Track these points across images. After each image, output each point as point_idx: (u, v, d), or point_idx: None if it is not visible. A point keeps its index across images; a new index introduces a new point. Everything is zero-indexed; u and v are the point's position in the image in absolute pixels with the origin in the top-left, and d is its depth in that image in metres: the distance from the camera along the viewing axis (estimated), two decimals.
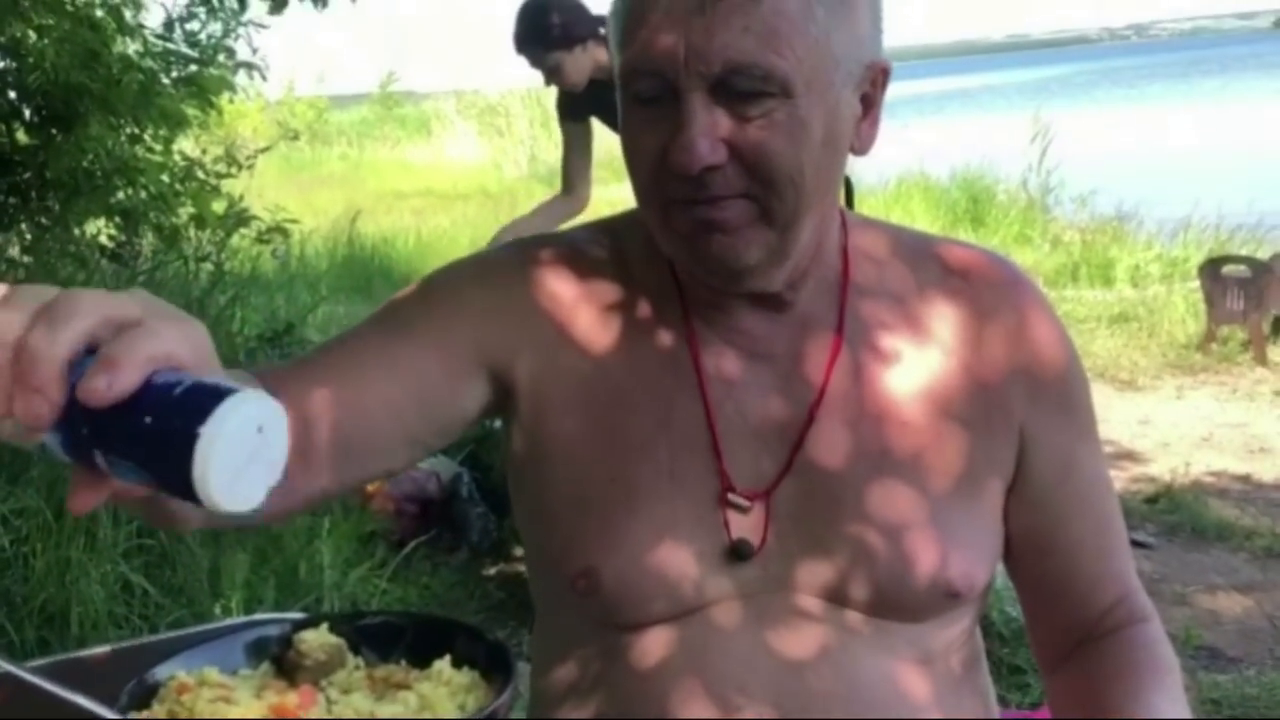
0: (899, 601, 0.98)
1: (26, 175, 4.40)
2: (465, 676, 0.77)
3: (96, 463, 0.60)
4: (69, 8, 4.40)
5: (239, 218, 4.92)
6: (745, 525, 0.99)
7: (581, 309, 1.04)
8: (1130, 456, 4.87)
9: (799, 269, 1.00)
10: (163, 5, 4.88)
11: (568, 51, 3.53)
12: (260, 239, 5.14)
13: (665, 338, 1.03)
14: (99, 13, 4.56)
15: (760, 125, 0.90)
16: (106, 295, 0.62)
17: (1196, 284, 6.62)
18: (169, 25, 4.81)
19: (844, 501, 0.99)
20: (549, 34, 3.51)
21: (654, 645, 0.98)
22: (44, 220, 4.50)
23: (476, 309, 1.04)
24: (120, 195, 4.63)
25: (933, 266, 1.06)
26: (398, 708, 0.73)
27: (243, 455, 0.58)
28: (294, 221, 5.22)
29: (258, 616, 0.85)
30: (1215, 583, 3.72)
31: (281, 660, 0.80)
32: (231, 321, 4.83)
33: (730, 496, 0.99)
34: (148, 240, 4.83)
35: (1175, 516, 4.21)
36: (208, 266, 4.88)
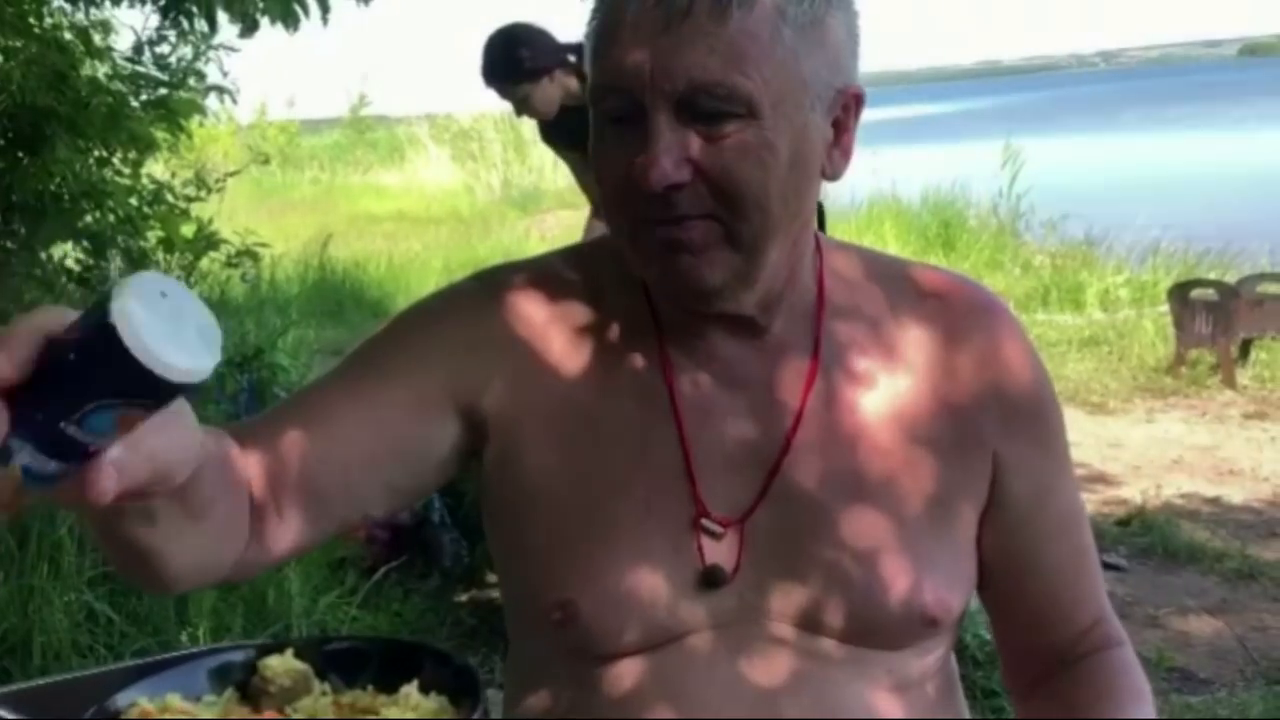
0: (874, 629, 0.97)
1: None
2: (433, 701, 0.76)
3: (73, 436, 0.60)
4: (36, 30, 4.38)
5: (208, 241, 4.90)
6: (719, 552, 0.97)
7: (553, 337, 1.03)
8: (1101, 479, 4.90)
9: (771, 293, 0.99)
10: (132, 28, 4.87)
11: (534, 83, 3.54)
12: (230, 263, 5.12)
13: (640, 365, 1.02)
14: (67, 35, 4.55)
15: (725, 146, 0.89)
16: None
17: (1166, 308, 6.68)
18: (138, 48, 4.80)
19: (819, 528, 0.98)
20: (516, 66, 3.51)
21: (628, 675, 0.97)
22: (9, 244, 4.47)
23: (445, 346, 1.03)
24: (88, 219, 4.60)
25: (906, 289, 1.06)
26: None
27: (164, 320, 0.59)
28: (264, 245, 5.21)
29: (223, 644, 0.83)
30: (1186, 605, 3.73)
31: (246, 687, 0.79)
32: None
33: (704, 522, 0.98)
34: (116, 264, 4.79)
35: (1146, 539, 4.23)
36: None
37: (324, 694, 0.78)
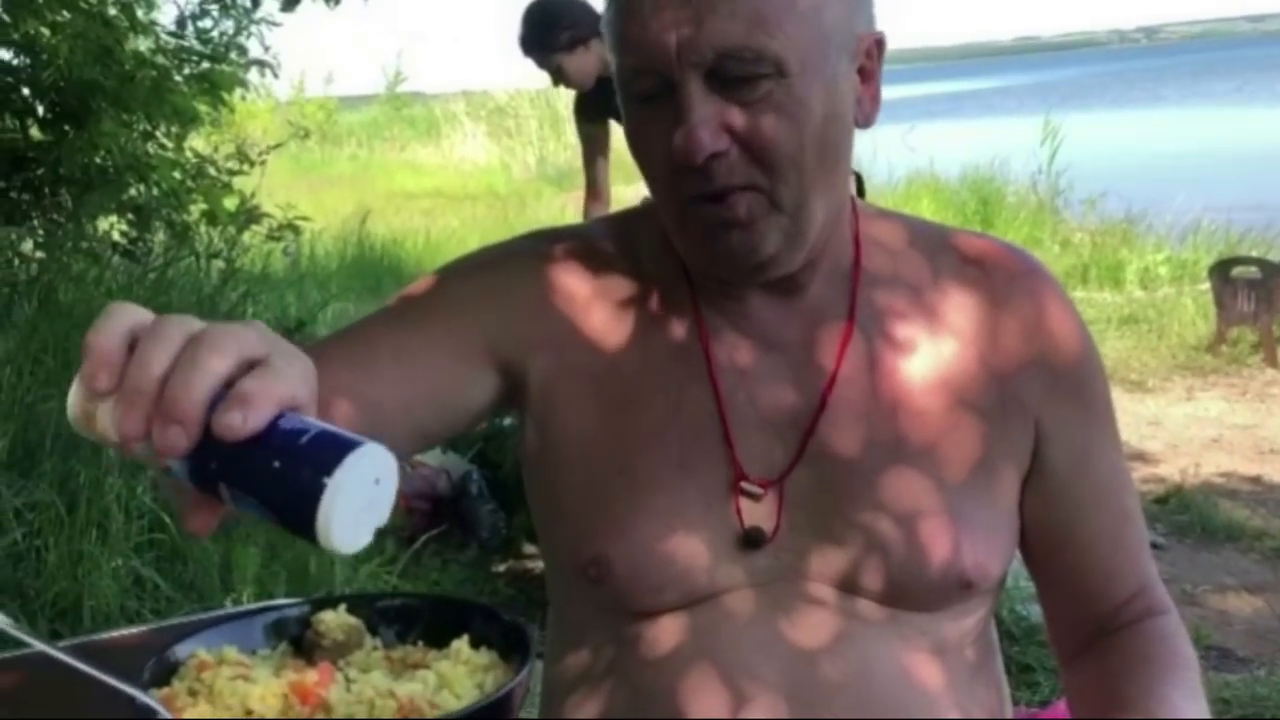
0: (912, 590, 0.98)
1: (40, 171, 4.43)
2: (483, 656, 0.77)
3: (220, 493, 0.63)
4: (83, 5, 4.42)
5: (250, 215, 4.94)
6: (758, 513, 0.99)
7: (593, 302, 1.04)
8: (1140, 457, 4.86)
9: (815, 250, 1.00)
10: (175, 3, 4.91)
11: (570, 53, 3.55)
12: (271, 236, 5.16)
13: (676, 329, 1.03)
14: (112, 10, 4.59)
15: (759, 108, 0.90)
16: (241, 333, 0.64)
17: (1206, 286, 6.60)
18: (181, 22, 4.85)
19: (857, 489, 0.99)
20: (553, 36, 3.52)
21: (666, 633, 0.98)
22: (57, 216, 4.53)
23: (487, 302, 1.04)
24: (132, 191, 4.65)
25: (949, 256, 1.06)
26: (416, 686, 0.73)
27: (361, 504, 0.62)
28: (305, 219, 5.24)
29: (276, 601, 0.86)
30: (1225, 583, 3.71)
31: (300, 640, 0.81)
32: (242, 318, 4.83)
33: (743, 485, 0.99)
34: (159, 237, 4.85)
35: (1185, 517, 4.20)
36: (219, 263, 4.90)
37: (375, 649, 0.79)
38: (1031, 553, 1.08)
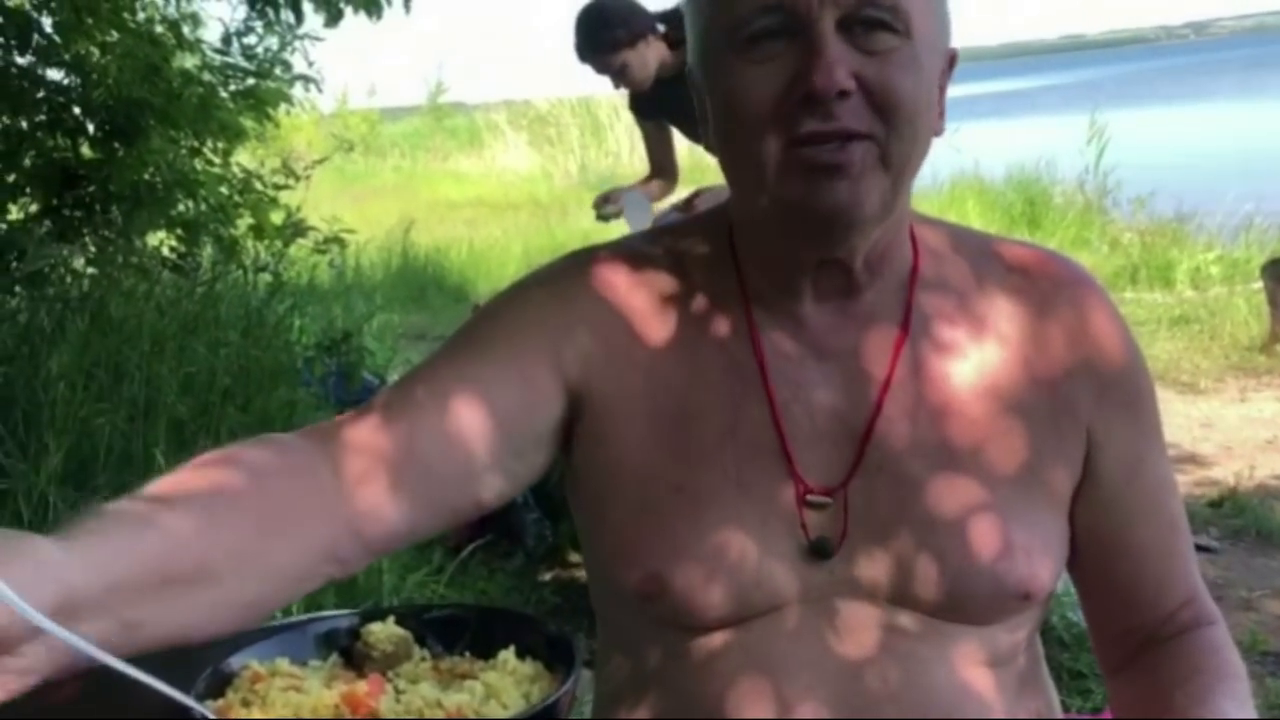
0: (967, 601, 0.96)
1: (91, 189, 4.50)
2: (529, 667, 0.78)
3: None
4: (131, 24, 4.50)
5: (296, 228, 4.99)
6: (823, 524, 0.98)
7: (644, 315, 1.04)
8: (1193, 460, 4.80)
9: (877, 250, 0.99)
10: (220, 20, 4.98)
11: (632, 49, 3.57)
12: (317, 249, 5.21)
13: (729, 341, 1.02)
14: (159, 29, 4.66)
15: (884, 60, 0.91)
16: None
17: (1259, 285, 6.50)
18: (227, 39, 4.91)
19: (911, 500, 0.98)
20: (612, 36, 3.54)
21: (718, 646, 0.98)
22: (108, 233, 4.60)
23: (545, 325, 1.03)
24: (181, 207, 4.72)
25: (993, 263, 1.06)
26: (464, 697, 0.74)
27: None
28: (350, 232, 5.29)
29: (326, 612, 0.87)
30: None
31: (350, 652, 0.82)
32: (290, 331, 4.90)
33: (809, 497, 0.98)
34: (208, 251, 4.91)
35: (1240, 520, 4.13)
36: (266, 277, 4.95)
37: (423, 659, 0.81)
38: (1081, 562, 1.07)
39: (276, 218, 4.99)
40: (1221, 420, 5.37)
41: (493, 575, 3.66)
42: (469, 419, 0.98)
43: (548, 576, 3.67)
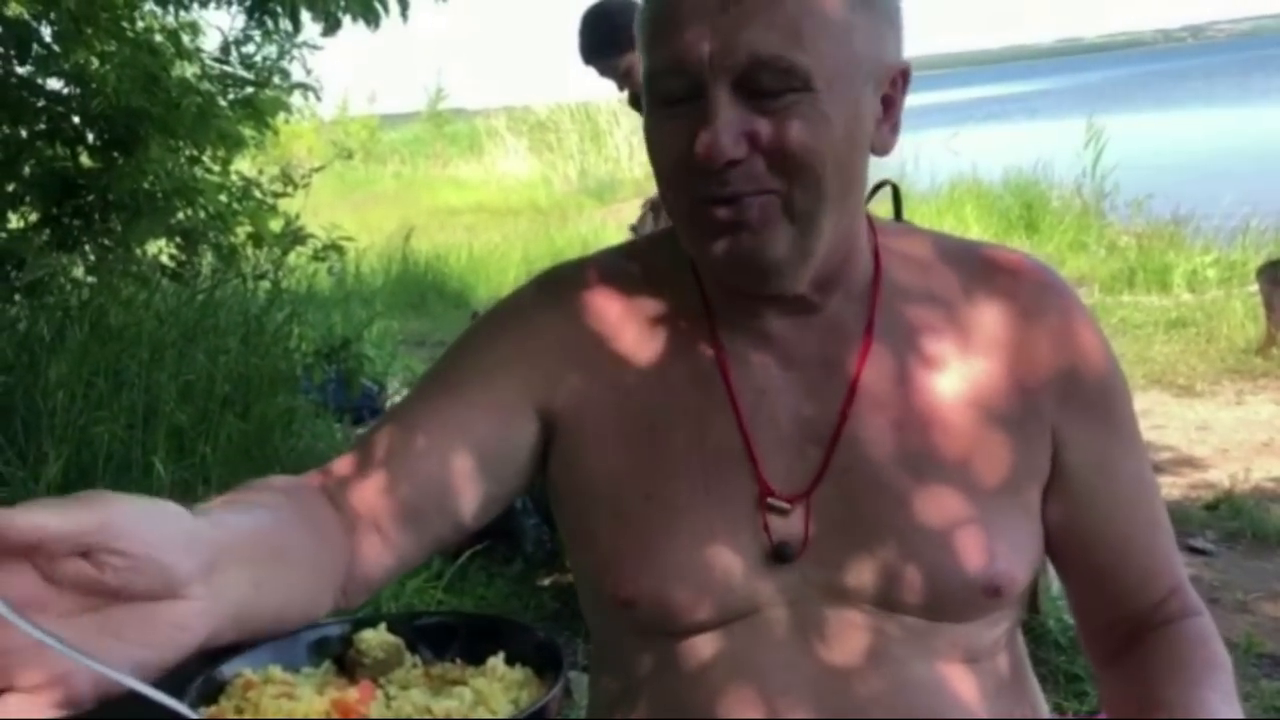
0: (941, 600, 0.98)
1: (90, 198, 4.51)
2: (518, 673, 0.79)
3: None
4: (130, 34, 4.51)
5: (295, 236, 5.00)
6: (786, 528, 1.00)
7: (610, 331, 1.06)
8: (1189, 463, 4.81)
9: (826, 272, 1.01)
10: (219, 29, 5.00)
11: (636, 52, 3.58)
12: (316, 256, 5.22)
13: (694, 353, 1.04)
14: (158, 38, 4.67)
15: (782, 117, 0.91)
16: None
17: (1255, 288, 6.51)
18: (225, 49, 4.92)
19: (883, 502, 0.99)
20: (616, 38, 3.55)
21: (700, 651, 1.00)
22: (107, 241, 4.61)
23: (515, 357, 1.06)
24: (180, 215, 4.73)
25: (978, 268, 1.07)
26: (453, 703, 0.75)
27: None
28: (349, 239, 5.30)
29: (320, 621, 0.88)
30: (1277, 590, 3.65)
31: (342, 659, 0.83)
32: (289, 338, 4.91)
33: (770, 501, 1.00)
34: (207, 259, 4.92)
35: (1235, 523, 4.14)
36: (265, 284, 4.96)
37: (414, 666, 0.82)
38: (1061, 557, 1.08)
39: (275, 225, 5.00)
40: (1218, 423, 5.38)
41: (492, 581, 3.66)
42: (450, 460, 1.02)
43: (547, 582, 3.68)
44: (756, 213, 0.93)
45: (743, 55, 0.90)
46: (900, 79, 0.99)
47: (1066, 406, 1.04)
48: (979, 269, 1.07)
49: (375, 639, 0.81)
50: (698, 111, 0.92)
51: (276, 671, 0.79)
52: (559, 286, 1.10)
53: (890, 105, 0.99)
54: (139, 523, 0.69)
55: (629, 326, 1.06)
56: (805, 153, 0.92)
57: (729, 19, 0.90)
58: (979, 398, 1.02)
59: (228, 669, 0.79)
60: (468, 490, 1.03)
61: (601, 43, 3.59)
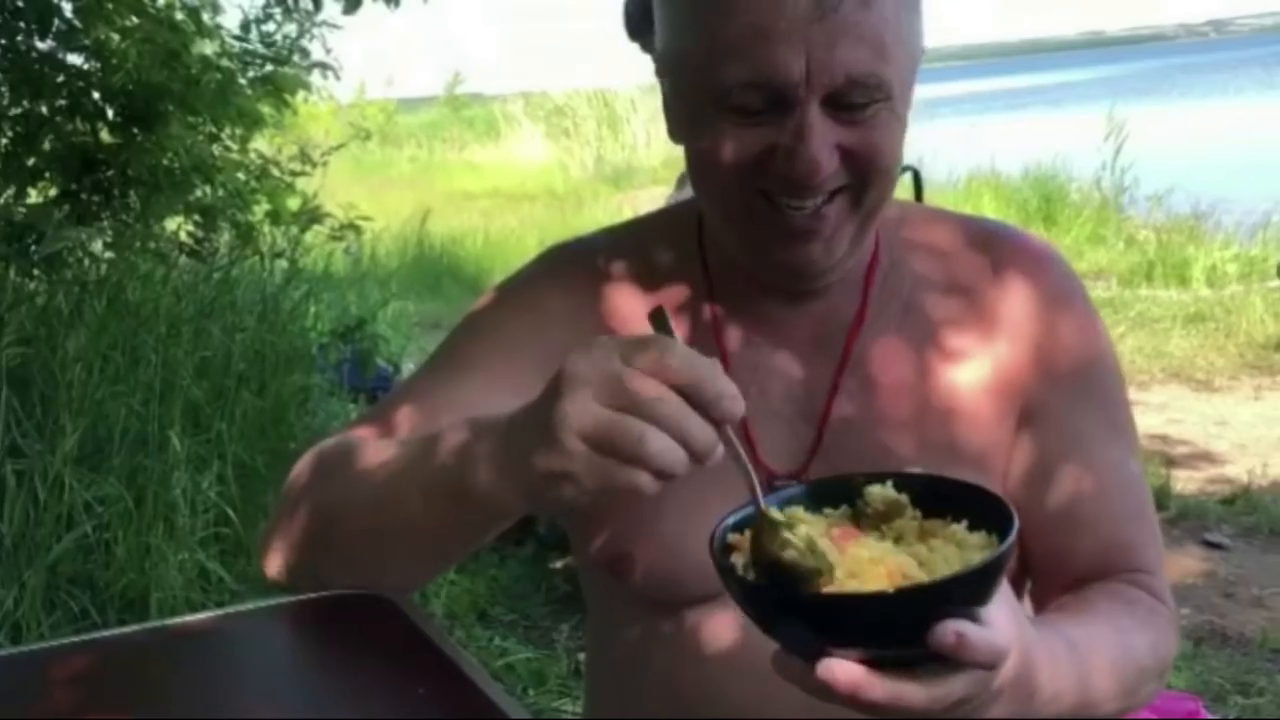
0: None
1: (110, 173, 4.51)
2: (978, 538, 0.81)
3: None
4: (150, 10, 4.51)
5: (313, 215, 5.00)
6: None
7: (612, 307, 1.09)
8: (1206, 457, 4.79)
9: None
10: (240, 7, 5.00)
11: None
12: (333, 236, 5.22)
13: (692, 331, 1.07)
14: (179, 15, 4.67)
15: (868, 127, 0.93)
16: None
17: (1276, 283, 6.48)
18: (246, 26, 4.92)
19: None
20: None
21: (694, 624, 1.02)
22: (126, 217, 4.61)
23: (519, 335, 1.08)
24: (199, 193, 4.73)
25: (1005, 250, 1.09)
26: (904, 559, 0.78)
27: None
28: (366, 219, 5.30)
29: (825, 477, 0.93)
30: None
31: (854, 508, 0.86)
32: (305, 317, 4.92)
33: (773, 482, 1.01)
34: (225, 237, 4.93)
35: (1253, 518, 4.13)
36: (282, 263, 4.97)
37: (913, 518, 0.84)
38: (1025, 535, 1.07)
39: (293, 204, 5.00)
40: (1236, 418, 5.36)
41: (504, 563, 3.68)
42: None
43: (559, 564, 3.68)
44: (832, 215, 0.96)
45: (839, 75, 0.91)
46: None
47: (1045, 384, 1.05)
48: (1006, 249, 1.09)
49: (879, 493, 0.85)
50: (778, 120, 0.92)
51: (799, 511, 0.84)
52: (565, 264, 1.13)
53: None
54: None
55: (630, 303, 1.09)
56: (885, 158, 0.95)
57: (823, 35, 0.90)
58: (993, 383, 1.04)
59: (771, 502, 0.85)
60: None
61: (648, 18, 3.59)
